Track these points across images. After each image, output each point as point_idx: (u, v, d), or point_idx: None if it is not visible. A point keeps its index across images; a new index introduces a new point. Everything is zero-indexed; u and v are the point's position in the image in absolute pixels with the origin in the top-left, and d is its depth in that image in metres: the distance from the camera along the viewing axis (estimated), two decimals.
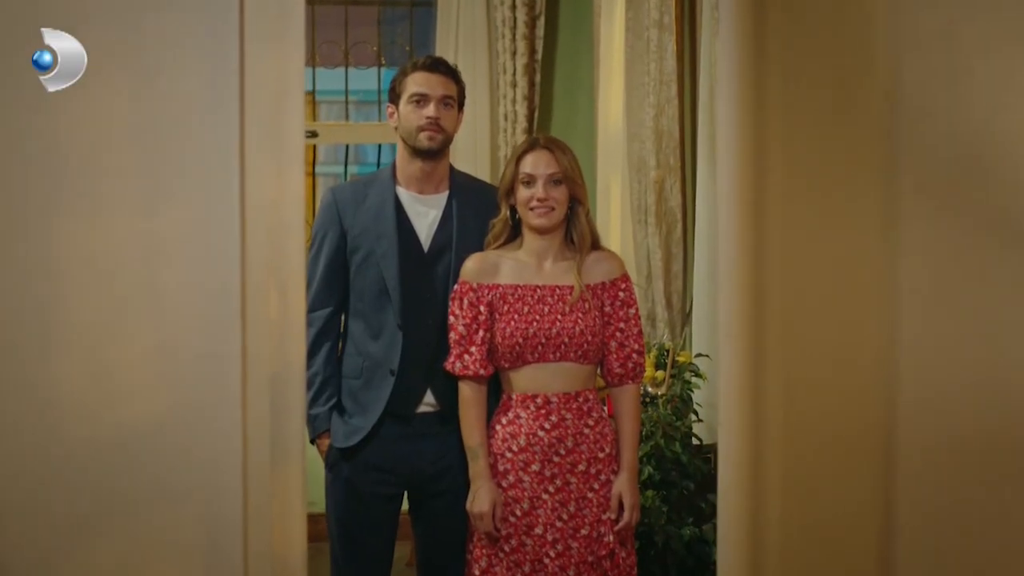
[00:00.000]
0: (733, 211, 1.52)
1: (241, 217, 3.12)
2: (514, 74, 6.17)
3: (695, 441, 4.78)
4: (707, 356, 4.88)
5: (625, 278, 3.65)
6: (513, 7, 6.16)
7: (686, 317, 5.44)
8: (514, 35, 6.18)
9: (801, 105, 1.48)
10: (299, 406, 3.22)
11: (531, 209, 3.57)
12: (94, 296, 3.02)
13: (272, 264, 3.15)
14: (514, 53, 6.18)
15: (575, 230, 3.61)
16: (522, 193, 3.60)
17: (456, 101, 3.71)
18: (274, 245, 3.14)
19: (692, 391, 4.78)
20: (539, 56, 6.24)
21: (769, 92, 1.46)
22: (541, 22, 6.24)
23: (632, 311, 3.62)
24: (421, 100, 3.66)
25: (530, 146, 3.63)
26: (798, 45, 1.49)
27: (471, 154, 6.05)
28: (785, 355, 1.53)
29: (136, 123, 3.06)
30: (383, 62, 6.74)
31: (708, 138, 4.94)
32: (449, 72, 3.70)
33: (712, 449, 4.76)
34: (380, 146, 7.13)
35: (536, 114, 6.23)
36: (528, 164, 3.60)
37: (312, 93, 6.87)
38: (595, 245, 3.64)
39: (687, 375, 4.78)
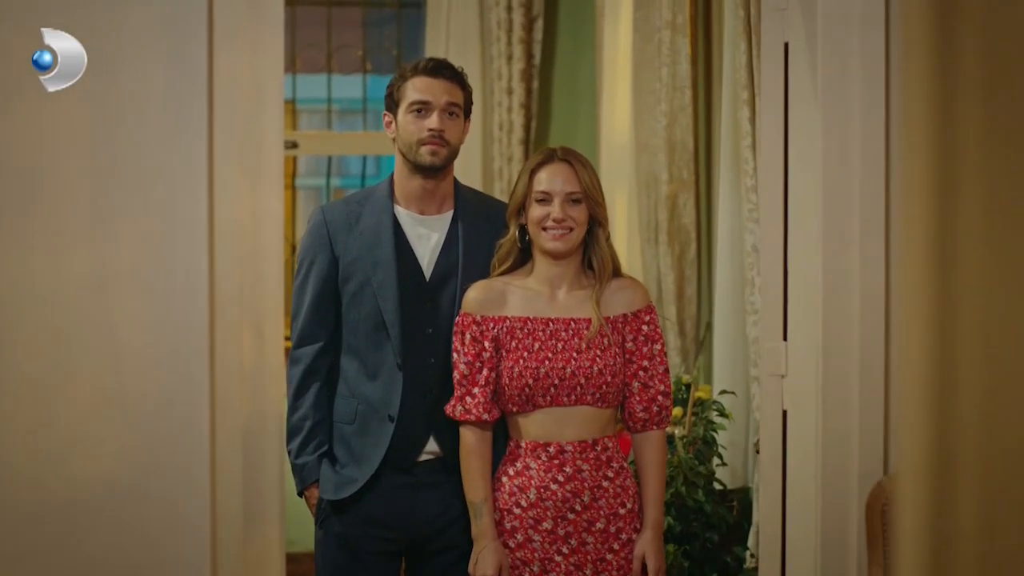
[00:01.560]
0: (908, 260, 1.08)
1: (209, 242, 2.94)
2: (510, 80, 6.19)
3: (718, 486, 4.65)
4: (732, 393, 4.70)
5: (649, 309, 3.48)
6: (509, 8, 6.16)
7: (700, 345, 5.33)
8: (510, 38, 6.18)
9: (1008, 127, 1.07)
10: (276, 463, 3.08)
11: (545, 230, 3.42)
12: (36, 334, 2.87)
13: (245, 297, 2.98)
14: (510, 57, 6.17)
15: (594, 255, 3.47)
16: (535, 212, 3.43)
17: (462, 109, 3.53)
18: (248, 274, 2.97)
19: (716, 432, 4.62)
20: (537, 61, 6.21)
21: (960, 110, 1.05)
22: (539, 24, 6.20)
23: (658, 347, 3.46)
24: (422, 109, 3.47)
25: (546, 159, 3.46)
26: (1003, 46, 1.07)
27: (460, 168, 5.91)
28: (983, 452, 1.13)
29: (86, 132, 2.90)
30: (368, 67, 6.71)
31: (731, 150, 4.76)
32: (454, 76, 3.52)
33: (736, 496, 4.67)
34: (365, 158, 7.11)
35: (534, 123, 6.20)
36: (544, 180, 3.42)
37: (292, 101, 6.78)
38: (616, 272, 3.50)
39: (710, 414, 4.62)
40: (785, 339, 3.42)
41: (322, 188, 7.25)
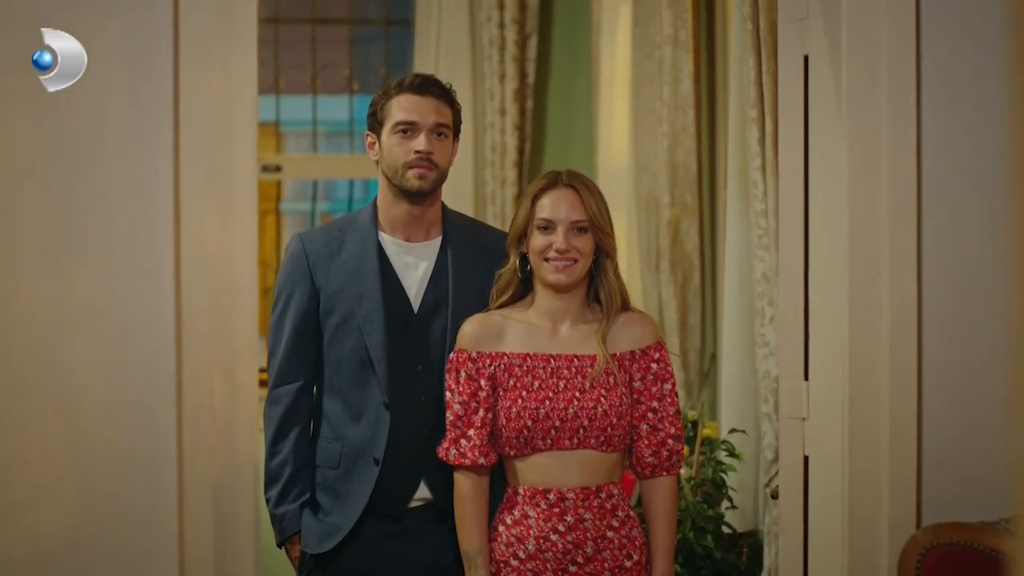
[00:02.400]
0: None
1: (176, 276, 2.90)
2: (503, 100, 6.19)
3: (726, 530, 4.53)
4: (743, 431, 4.56)
5: (659, 346, 3.35)
6: (501, 25, 6.15)
7: (704, 378, 5.24)
8: (503, 56, 6.18)
9: None
10: (250, 516, 3.04)
11: (547, 260, 3.30)
12: None
13: (215, 337, 2.92)
14: (503, 76, 6.18)
15: (601, 288, 3.34)
16: (537, 241, 3.31)
17: (451, 129, 3.41)
18: (218, 313, 2.91)
19: (726, 473, 4.49)
20: (531, 80, 6.20)
21: None
22: (533, 41, 6.18)
23: (668, 387, 3.33)
24: (408, 130, 3.36)
25: (550, 183, 3.33)
26: None
27: (451, 192, 6.01)
28: None
29: (38, 154, 2.86)
30: (355, 88, 6.72)
31: (739, 172, 4.63)
32: (442, 94, 3.40)
33: (747, 540, 4.54)
34: (352, 182, 7.13)
35: (528, 145, 6.18)
36: (546, 206, 3.30)
37: (276, 123, 6.85)
38: (624, 306, 3.37)
39: (719, 454, 4.49)
40: (806, 379, 3.32)
41: (308, 213, 7.26)
